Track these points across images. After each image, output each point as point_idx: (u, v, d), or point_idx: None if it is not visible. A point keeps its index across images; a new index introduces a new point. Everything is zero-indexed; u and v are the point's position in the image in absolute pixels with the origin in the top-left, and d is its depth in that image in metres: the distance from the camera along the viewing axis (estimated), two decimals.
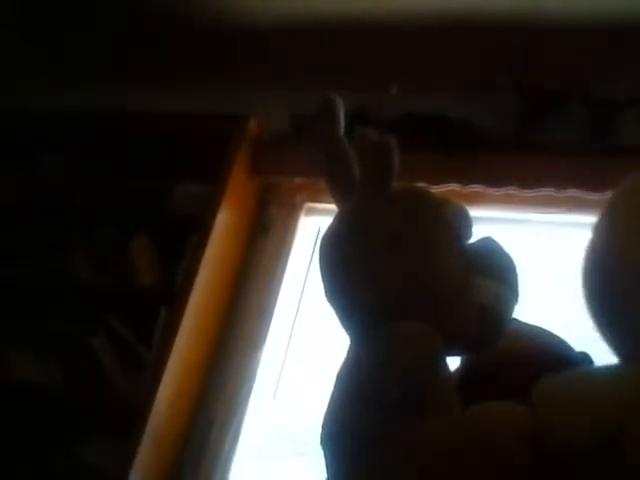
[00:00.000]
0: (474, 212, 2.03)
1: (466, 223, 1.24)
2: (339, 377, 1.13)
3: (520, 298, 1.27)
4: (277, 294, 2.25)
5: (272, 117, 2.35)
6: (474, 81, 2.30)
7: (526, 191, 2.08)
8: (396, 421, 1.01)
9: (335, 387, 1.12)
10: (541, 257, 2.06)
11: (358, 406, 1.05)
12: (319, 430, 1.13)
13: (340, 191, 1.25)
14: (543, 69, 2.16)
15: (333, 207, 2.18)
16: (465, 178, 2.13)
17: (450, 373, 1.10)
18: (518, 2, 2.13)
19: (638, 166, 1.70)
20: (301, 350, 2.23)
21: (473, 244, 1.27)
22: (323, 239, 1.22)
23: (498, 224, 2.17)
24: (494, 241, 1.29)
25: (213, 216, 2.16)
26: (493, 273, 1.20)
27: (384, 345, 1.05)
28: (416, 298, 1.11)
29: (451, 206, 1.23)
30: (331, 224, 1.24)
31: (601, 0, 2.07)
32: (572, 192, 2.04)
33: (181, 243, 2.18)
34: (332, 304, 1.21)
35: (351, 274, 1.16)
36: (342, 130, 1.22)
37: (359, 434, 1.03)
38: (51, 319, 2.27)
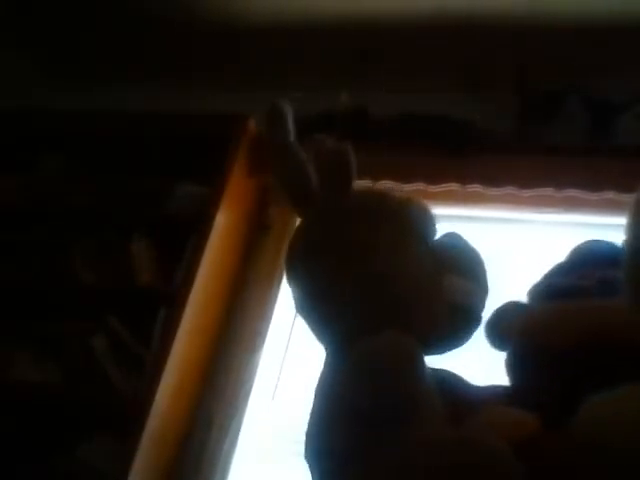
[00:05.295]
0: (474, 212, 2.03)
1: (429, 222, 1.24)
2: (317, 394, 1.12)
3: (490, 292, 1.27)
4: (276, 294, 2.25)
5: None
6: (474, 81, 2.30)
7: (525, 191, 2.08)
8: (380, 435, 1.00)
9: (314, 403, 1.11)
10: (540, 257, 2.06)
11: (338, 422, 1.05)
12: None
13: (298, 198, 1.24)
14: (543, 69, 2.16)
15: None
16: (465, 178, 2.13)
17: (430, 381, 1.07)
18: (518, 2, 2.13)
19: (638, 166, 1.70)
20: (300, 351, 2.22)
21: (439, 241, 1.26)
22: (289, 254, 1.21)
23: (498, 224, 2.17)
24: (459, 237, 1.29)
25: (213, 216, 2.16)
26: (461, 270, 1.19)
27: (360, 361, 1.05)
28: (385, 302, 1.11)
29: (413, 206, 1.23)
30: (295, 237, 1.23)
31: (601, 0, 2.07)
32: (571, 192, 2.05)
33: (181, 243, 2.18)
34: (305, 317, 1.20)
35: (320, 286, 1.15)
36: (292, 136, 1.20)
37: (340, 450, 1.03)
38: (51, 319, 2.27)
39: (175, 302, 2.07)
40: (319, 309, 1.20)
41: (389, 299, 1.14)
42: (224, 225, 2.20)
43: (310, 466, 1.11)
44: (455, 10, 2.19)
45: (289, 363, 2.22)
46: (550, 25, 2.15)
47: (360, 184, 2.12)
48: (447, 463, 0.97)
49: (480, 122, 2.20)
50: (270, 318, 2.21)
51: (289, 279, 1.21)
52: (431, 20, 2.24)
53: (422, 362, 1.06)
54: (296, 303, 1.22)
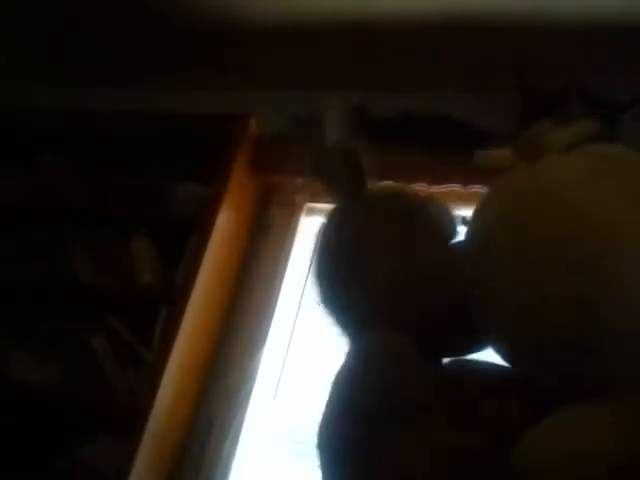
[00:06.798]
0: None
1: (449, 220, 1.24)
2: (333, 385, 1.12)
3: None
4: (278, 294, 2.25)
5: (272, 117, 2.36)
6: (474, 81, 2.30)
7: None
8: (381, 433, 1.01)
9: (329, 394, 1.12)
10: None
11: (345, 417, 1.06)
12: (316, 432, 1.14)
13: (338, 193, 1.26)
14: (543, 69, 2.17)
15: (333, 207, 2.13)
16: (465, 178, 2.12)
17: (431, 379, 1.07)
18: (518, 2, 2.13)
19: None
20: (301, 350, 2.22)
21: (461, 242, 1.26)
22: (316, 246, 1.22)
23: None
24: None
25: (213, 216, 2.16)
26: None
27: (363, 360, 1.06)
28: (403, 297, 1.11)
29: (433, 205, 1.24)
30: (318, 233, 1.24)
31: (601, 0, 2.07)
32: None
33: (181, 243, 2.18)
34: (327, 309, 1.22)
35: (336, 283, 1.17)
36: (337, 132, 1.22)
37: (347, 444, 1.04)
38: (51, 319, 2.27)
39: (176, 302, 2.07)
40: (340, 302, 1.22)
41: (406, 294, 1.14)
42: (225, 225, 2.20)
43: (319, 455, 1.12)
44: (455, 10, 2.19)
45: (290, 363, 2.22)
46: (550, 25, 2.15)
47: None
48: (443, 465, 0.98)
49: (480, 122, 2.20)
50: (271, 318, 2.21)
51: (312, 271, 1.23)
52: (431, 20, 2.24)
53: (415, 362, 1.05)
54: (319, 296, 1.23)
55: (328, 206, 2.28)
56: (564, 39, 2.16)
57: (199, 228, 2.16)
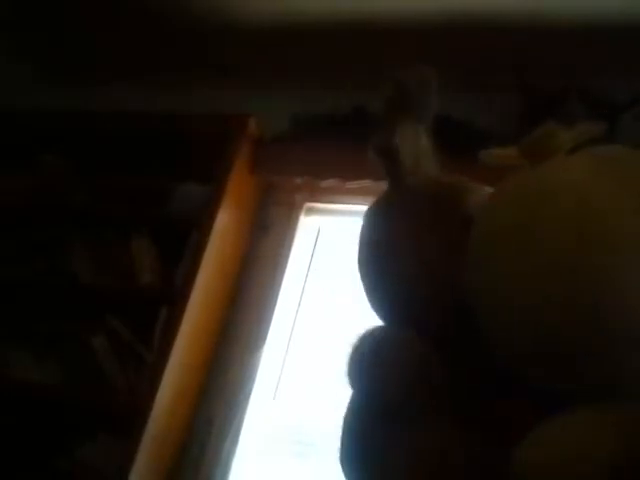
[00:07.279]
0: None
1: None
2: (358, 377, 1.12)
3: None
4: (277, 294, 2.25)
5: (272, 117, 2.36)
6: (474, 81, 2.30)
7: None
8: (399, 428, 1.02)
9: (354, 385, 1.12)
10: None
11: (357, 408, 1.07)
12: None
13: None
14: (543, 69, 2.17)
15: (333, 207, 2.21)
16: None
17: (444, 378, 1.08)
18: (519, 2, 2.13)
19: None
20: (301, 350, 2.23)
21: None
22: (360, 236, 1.24)
23: None
24: None
25: (213, 216, 2.16)
26: None
27: (365, 355, 1.06)
28: (439, 297, 1.12)
29: (472, 198, 1.23)
30: (364, 221, 1.25)
31: (601, 0, 2.07)
32: None
33: (181, 243, 2.18)
34: (365, 294, 1.23)
35: (374, 276, 1.18)
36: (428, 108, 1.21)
37: (358, 438, 1.05)
38: (51, 319, 2.27)
39: (176, 302, 2.07)
40: (374, 299, 1.23)
41: (441, 295, 1.15)
42: (224, 224, 2.20)
43: (342, 429, 1.13)
44: (455, 10, 2.19)
45: (290, 363, 2.22)
46: (550, 25, 2.15)
47: (361, 184, 2.14)
48: (444, 465, 0.98)
49: (480, 122, 2.20)
50: (271, 318, 2.22)
51: (356, 261, 1.24)
52: (431, 20, 2.24)
53: (435, 365, 1.06)
54: (364, 286, 1.24)
55: (328, 206, 2.30)
56: (564, 39, 2.16)
57: (199, 228, 2.16)
